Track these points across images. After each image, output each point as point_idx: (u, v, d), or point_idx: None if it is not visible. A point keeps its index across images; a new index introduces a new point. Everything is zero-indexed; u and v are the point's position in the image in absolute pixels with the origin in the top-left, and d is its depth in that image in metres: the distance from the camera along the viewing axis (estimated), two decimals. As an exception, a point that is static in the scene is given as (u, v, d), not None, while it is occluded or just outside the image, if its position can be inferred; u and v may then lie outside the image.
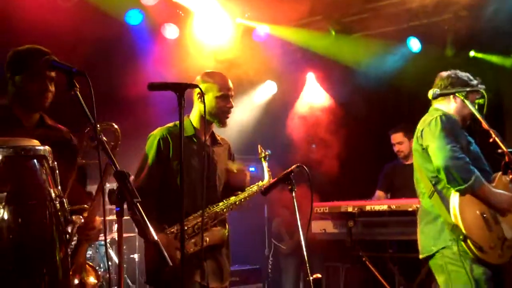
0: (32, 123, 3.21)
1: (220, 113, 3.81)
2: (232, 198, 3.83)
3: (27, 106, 3.19)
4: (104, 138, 2.78)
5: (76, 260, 3.17)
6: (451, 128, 3.83)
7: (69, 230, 2.56)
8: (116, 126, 3.17)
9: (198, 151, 3.80)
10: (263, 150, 3.99)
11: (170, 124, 3.87)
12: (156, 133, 3.81)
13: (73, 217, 2.87)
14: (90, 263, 3.54)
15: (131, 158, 3.88)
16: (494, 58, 7.17)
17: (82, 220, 3.02)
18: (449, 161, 3.68)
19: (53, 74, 3.15)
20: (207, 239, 3.64)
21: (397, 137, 6.22)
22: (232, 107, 3.87)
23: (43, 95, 3.16)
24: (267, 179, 3.96)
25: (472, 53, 7.31)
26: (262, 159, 3.99)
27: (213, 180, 3.84)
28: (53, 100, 3.23)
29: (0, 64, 3.22)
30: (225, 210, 3.77)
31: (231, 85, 3.89)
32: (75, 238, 3.17)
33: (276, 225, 7.35)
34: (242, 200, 3.86)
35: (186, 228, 3.57)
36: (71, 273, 2.97)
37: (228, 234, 3.80)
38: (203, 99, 3.68)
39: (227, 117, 3.87)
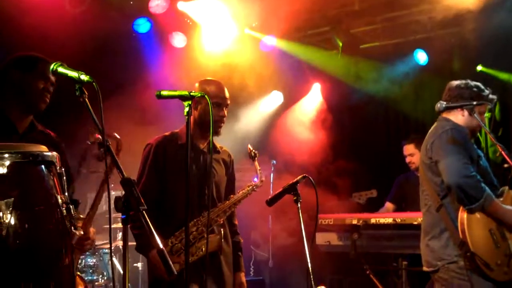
0: (24, 127, 3.21)
1: (212, 121, 3.77)
2: (225, 203, 3.81)
3: (26, 105, 3.18)
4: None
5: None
6: (463, 142, 3.80)
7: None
8: (118, 137, 3.17)
9: (194, 159, 3.78)
10: (252, 150, 3.94)
11: (167, 133, 3.87)
12: (153, 142, 3.82)
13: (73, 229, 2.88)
14: (79, 273, 3.54)
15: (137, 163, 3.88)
16: (501, 74, 7.17)
17: (82, 233, 3.03)
18: (461, 179, 3.65)
19: (54, 79, 3.17)
20: (203, 248, 3.61)
21: (408, 149, 6.16)
22: (224, 116, 3.83)
23: (45, 95, 3.18)
24: (258, 179, 3.92)
25: (479, 68, 7.31)
26: (252, 158, 3.95)
27: (209, 188, 3.82)
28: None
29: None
30: (219, 215, 3.75)
31: (226, 94, 3.87)
32: None
33: (254, 235, 7.35)
34: (236, 203, 3.84)
35: (181, 239, 3.56)
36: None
37: (223, 240, 3.76)
38: (197, 107, 3.74)
39: (221, 126, 3.84)
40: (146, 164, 3.74)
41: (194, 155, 3.79)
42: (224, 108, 3.85)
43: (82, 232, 2.90)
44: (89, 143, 3.19)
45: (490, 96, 4.04)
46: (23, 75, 3.16)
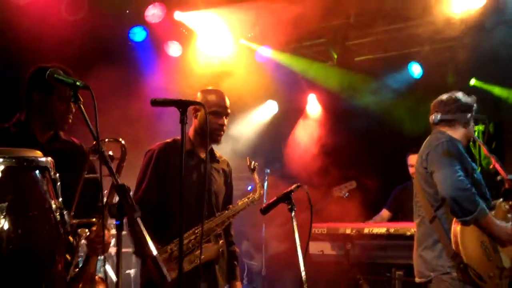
0: (46, 138, 3.26)
1: (211, 130, 3.77)
2: (224, 213, 3.81)
3: (48, 124, 3.24)
4: (109, 152, 2.80)
5: (85, 271, 3.15)
6: (458, 155, 3.81)
7: (74, 243, 2.56)
8: (123, 142, 3.18)
9: (195, 167, 3.79)
10: (252, 162, 3.96)
11: (169, 140, 3.87)
12: (155, 148, 3.82)
13: (79, 230, 2.88)
14: (100, 275, 3.53)
15: (131, 173, 3.88)
16: (494, 89, 7.22)
17: (88, 233, 3.03)
18: (456, 192, 3.66)
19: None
20: (202, 256, 3.62)
21: (413, 159, 6.13)
22: (223, 124, 3.85)
23: (66, 116, 3.22)
24: (257, 192, 3.94)
25: (472, 81, 7.35)
26: (251, 171, 3.97)
27: (209, 197, 3.82)
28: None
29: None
30: (218, 225, 3.76)
31: (227, 103, 3.89)
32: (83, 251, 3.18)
33: (245, 246, 7.33)
34: (235, 214, 3.85)
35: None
36: (80, 285, 2.96)
37: (222, 250, 3.78)
38: (197, 116, 3.78)
39: (220, 135, 3.85)
40: (148, 169, 3.75)
41: (194, 163, 3.81)
42: (224, 117, 3.86)
43: (88, 233, 2.91)
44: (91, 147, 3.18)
45: (475, 106, 4.07)
46: (45, 97, 3.18)
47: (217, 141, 3.86)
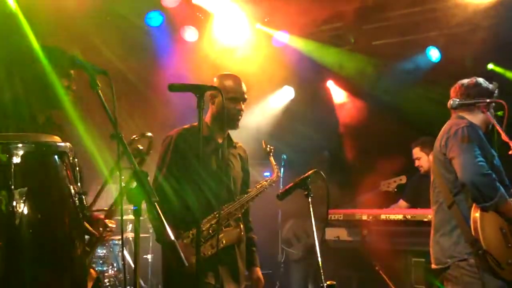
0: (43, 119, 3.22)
1: (228, 116, 3.79)
2: (243, 197, 3.82)
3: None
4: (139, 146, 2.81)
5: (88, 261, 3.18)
6: (478, 140, 3.78)
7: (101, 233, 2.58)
8: (150, 134, 3.18)
9: (214, 152, 3.80)
10: (268, 145, 3.97)
11: (187, 126, 3.87)
12: (173, 134, 3.82)
13: (106, 221, 2.89)
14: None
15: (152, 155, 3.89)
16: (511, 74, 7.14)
17: (114, 225, 3.07)
18: (476, 177, 3.64)
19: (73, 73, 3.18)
20: (223, 240, 3.64)
21: (415, 152, 6.10)
22: (241, 110, 3.85)
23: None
24: (274, 174, 3.95)
25: (490, 66, 7.27)
26: (267, 154, 3.98)
27: (228, 181, 3.83)
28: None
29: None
30: (237, 209, 3.77)
31: (244, 88, 3.88)
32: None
33: (285, 231, 7.34)
34: (254, 197, 3.86)
35: (201, 231, 3.56)
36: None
37: (243, 233, 3.79)
38: (215, 101, 3.78)
39: (238, 120, 3.85)
40: (167, 155, 3.75)
41: (212, 149, 3.82)
42: (241, 103, 3.86)
43: (114, 225, 2.94)
44: (135, 138, 3.18)
45: (496, 91, 4.02)
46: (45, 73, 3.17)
47: (235, 126, 3.87)
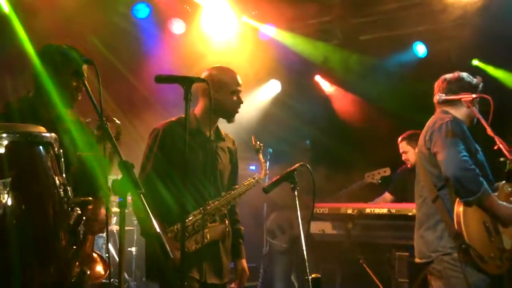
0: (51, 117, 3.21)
1: (232, 109, 3.81)
2: (230, 194, 3.81)
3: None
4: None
5: (83, 251, 3.16)
6: (462, 135, 3.80)
7: (72, 222, 2.56)
8: (118, 121, 3.17)
9: (201, 146, 3.78)
10: (257, 142, 3.96)
11: (174, 118, 3.85)
12: (160, 127, 3.80)
13: (78, 209, 2.87)
14: (99, 253, 3.55)
15: (136, 151, 3.88)
16: (496, 72, 7.18)
17: (79, 212, 3.04)
18: (460, 172, 3.66)
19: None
20: (208, 235, 3.63)
21: (402, 146, 6.10)
22: (242, 102, 3.86)
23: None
24: (262, 171, 3.94)
25: (475, 62, 7.31)
26: (256, 151, 3.96)
27: (214, 176, 3.82)
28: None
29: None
30: (224, 205, 3.76)
31: (240, 80, 3.89)
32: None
33: (269, 222, 7.35)
34: (241, 194, 3.84)
35: (186, 226, 3.56)
36: (77, 263, 2.96)
37: (228, 230, 3.79)
38: (208, 94, 3.71)
39: (237, 112, 3.86)
40: (153, 147, 3.72)
41: (200, 142, 3.79)
42: (240, 95, 3.86)
43: (79, 212, 2.90)
44: (87, 121, 3.18)
45: (480, 85, 4.04)
46: (56, 73, 3.14)
47: (232, 119, 3.87)
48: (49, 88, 3.14)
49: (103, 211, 3.23)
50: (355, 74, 7.83)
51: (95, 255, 3.47)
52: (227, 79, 3.80)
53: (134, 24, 6.91)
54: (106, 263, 3.42)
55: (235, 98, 3.80)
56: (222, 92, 3.76)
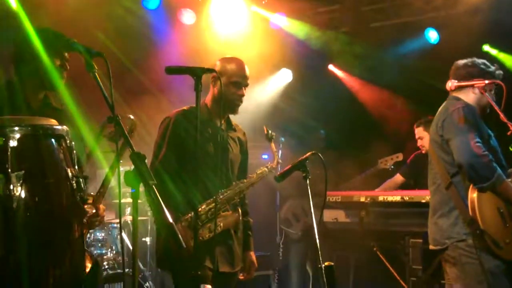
0: (38, 103, 3.18)
1: (230, 100, 3.77)
2: (243, 182, 3.81)
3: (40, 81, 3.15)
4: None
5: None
6: (474, 121, 3.77)
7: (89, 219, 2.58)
8: (132, 117, 3.16)
9: (212, 136, 3.78)
10: (269, 131, 3.93)
11: (186, 107, 3.85)
12: (171, 116, 3.80)
13: (85, 206, 2.88)
14: (86, 249, 3.56)
15: (147, 140, 3.88)
16: (505, 58, 7.12)
17: (94, 211, 3.05)
18: (473, 159, 3.63)
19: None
20: (221, 224, 3.64)
21: (417, 132, 6.07)
22: (243, 95, 3.81)
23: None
24: (275, 160, 3.94)
25: (486, 47, 7.25)
26: (269, 140, 3.95)
27: (226, 165, 3.83)
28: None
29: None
30: (236, 194, 3.76)
31: (247, 73, 3.84)
32: None
33: (284, 211, 7.36)
34: (253, 183, 3.84)
35: (199, 215, 3.57)
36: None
37: (241, 218, 3.79)
38: (216, 84, 3.73)
39: (238, 105, 3.82)
40: (165, 136, 3.72)
41: (211, 132, 3.79)
42: (243, 88, 3.83)
43: (94, 210, 2.92)
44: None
45: (497, 72, 4.00)
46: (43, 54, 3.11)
47: (234, 111, 3.85)
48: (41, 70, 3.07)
49: (102, 206, 3.25)
50: (366, 61, 7.79)
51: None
52: (228, 69, 3.77)
53: (144, 17, 6.91)
54: (92, 256, 3.41)
55: (233, 89, 3.75)
56: (220, 81, 3.76)
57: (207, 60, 4.02)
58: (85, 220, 2.89)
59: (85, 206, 2.92)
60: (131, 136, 3.13)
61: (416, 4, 7.10)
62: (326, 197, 3.85)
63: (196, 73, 3.10)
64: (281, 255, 7.18)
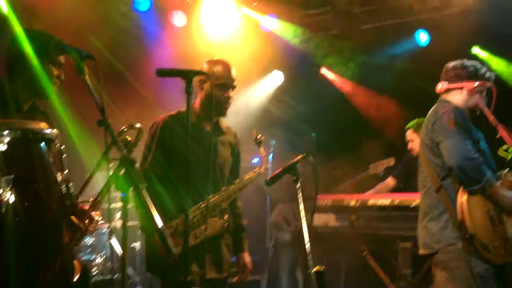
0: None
1: (218, 103, 3.75)
2: (230, 188, 3.80)
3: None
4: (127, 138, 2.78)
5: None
6: (464, 124, 3.77)
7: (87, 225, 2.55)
8: (139, 125, 3.13)
9: (200, 140, 3.77)
10: (258, 135, 3.91)
11: (173, 112, 3.84)
12: (159, 121, 3.79)
13: (93, 213, 2.85)
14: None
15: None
16: (494, 61, 7.16)
17: (100, 218, 3.03)
18: (463, 161, 3.64)
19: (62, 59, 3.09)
20: (208, 230, 3.62)
21: (408, 135, 6.07)
22: (229, 97, 3.80)
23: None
24: (263, 165, 3.92)
25: (475, 50, 7.28)
26: (257, 144, 3.93)
27: (215, 169, 3.81)
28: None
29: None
30: (224, 199, 3.75)
31: (233, 75, 3.83)
32: None
33: (275, 215, 7.36)
34: (241, 189, 3.84)
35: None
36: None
37: (229, 223, 3.78)
38: (203, 87, 3.74)
39: (226, 108, 3.82)
40: (153, 142, 3.71)
41: (200, 136, 3.77)
42: (230, 90, 3.81)
43: (100, 218, 2.89)
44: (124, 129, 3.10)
45: (487, 74, 4.01)
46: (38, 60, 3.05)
47: (223, 114, 3.84)
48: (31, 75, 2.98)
49: (98, 212, 3.22)
50: (357, 63, 7.81)
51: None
52: (215, 71, 3.76)
53: (135, 19, 6.89)
54: (80, 264, 3.38)
55: (220, 91, 3.74)
56: (207, 84, 3.74)
57: (198, 62, 4.00)
58: (84, 227, 2.87)
59: (93, 213, 2.90)
60: (137, 143, 3.11)
61: (407, 6, 7.12)
62: (316, 200, 3.83)
63: (187, 75, 3.09)
64: (271, 259, 7.18)
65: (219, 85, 3.73)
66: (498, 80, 4.14)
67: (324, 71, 8.49)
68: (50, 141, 2.45)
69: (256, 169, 3.90)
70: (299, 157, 3.73)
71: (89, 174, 2.95)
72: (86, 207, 2.99)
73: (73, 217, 2.77)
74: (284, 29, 7.70)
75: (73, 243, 2.78)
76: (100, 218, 2.99)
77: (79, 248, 5.82)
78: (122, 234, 2.56)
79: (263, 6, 7.42)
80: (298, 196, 3.60)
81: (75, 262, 3.08)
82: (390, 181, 6.29)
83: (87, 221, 2.87)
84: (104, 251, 6.06)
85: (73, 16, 5.65)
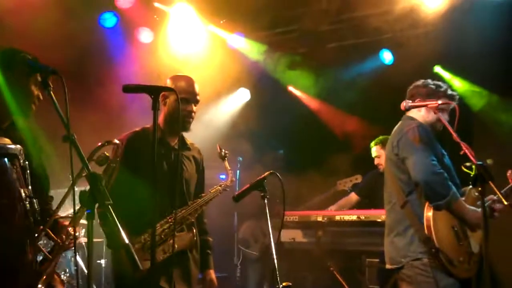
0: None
1: (177, 117, 3.69)
2: (197, 201, 3.79)
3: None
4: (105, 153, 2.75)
5: (51, 268, 3.09)
6: (429, 140, 3.84)
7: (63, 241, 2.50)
8: (118, 142, 3.08)
9: (165, 156, 3.75)
10: (222, 150, 3.94)
11: (138, 129, 3.82)
12: (123, 138, 3.76)
13: (69, 229, 2.79)
14: (57, 272, 3.47)
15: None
16: (456, 80, 7.31)
17: (82, 234, 2.97)
18: (429, 176, 3.70)
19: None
20: (176, 245, 3.59)
21: (375, 151, 6.16)
22: (192, 111, 3.80)
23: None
24: (229, 179, 3.93)
25: (437, 69, 7.42)
26: (222, 159, 3.94)
27: (180, 185, 3.80)
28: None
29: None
30: (191, 214, 3.73)
31: (196, 90, 3.84)
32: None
33: (242, 231, 7.34)
34: (207, 202, 3.83)
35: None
36: (44, 278, 2.89)
37: (196, 238, 3.76)
38: (166, 102, 3.72)
39: (189, 122, 3.80)
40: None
41: (164, 152, 3.75)
42: (192, 104, 3.81)
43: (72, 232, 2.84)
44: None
45: (449, 92, 4.09)
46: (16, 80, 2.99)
47: (186, 128, 3.82)
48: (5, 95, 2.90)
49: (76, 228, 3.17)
50: (323, 81, 7.88)
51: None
52: (178, 86, 3.74)
53: (101, 35, 6.85)
54: (64, 284, 3.32)
55: (182, 106, 3.70)
56: (170, 99, 3.74)
57: (165, 78, 3.99)
58: (61, 242, 2.81)
59: (70, 229, 2.85)
60: (116, 160, 3.07)
61: (372, 25, 7.22)
62: (283, 217, 3.83)
63: (154, 91, 3.07)
64: (239, 276, 7.15)
65: (181, 100, 3.72)
66: (460, 100, 4.22)
67: (291, 88, 8.55)
68: (14, 157, 2.41)
69: (222, 183, 3.91)
70: (266, 173, 3.74)
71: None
72: (66, 222, 2.93)
73: (49, 232, 2.72)
74: (251, 47, 7.75)
75: (50, 259, 2.72)
76: (82, 234, 2.94)
77: (58, 263, 5.73)
78: (87, 251, 2.51)
79: (230, 24, 7.45)
80: (266, 212, 3.61)
81: (56, 278, 3.02)
82: (353, 197, 6.35)
83: (64, 236, 2.82)
84: (68, 268, 5.96)
85: (38, 31, 5.59)
